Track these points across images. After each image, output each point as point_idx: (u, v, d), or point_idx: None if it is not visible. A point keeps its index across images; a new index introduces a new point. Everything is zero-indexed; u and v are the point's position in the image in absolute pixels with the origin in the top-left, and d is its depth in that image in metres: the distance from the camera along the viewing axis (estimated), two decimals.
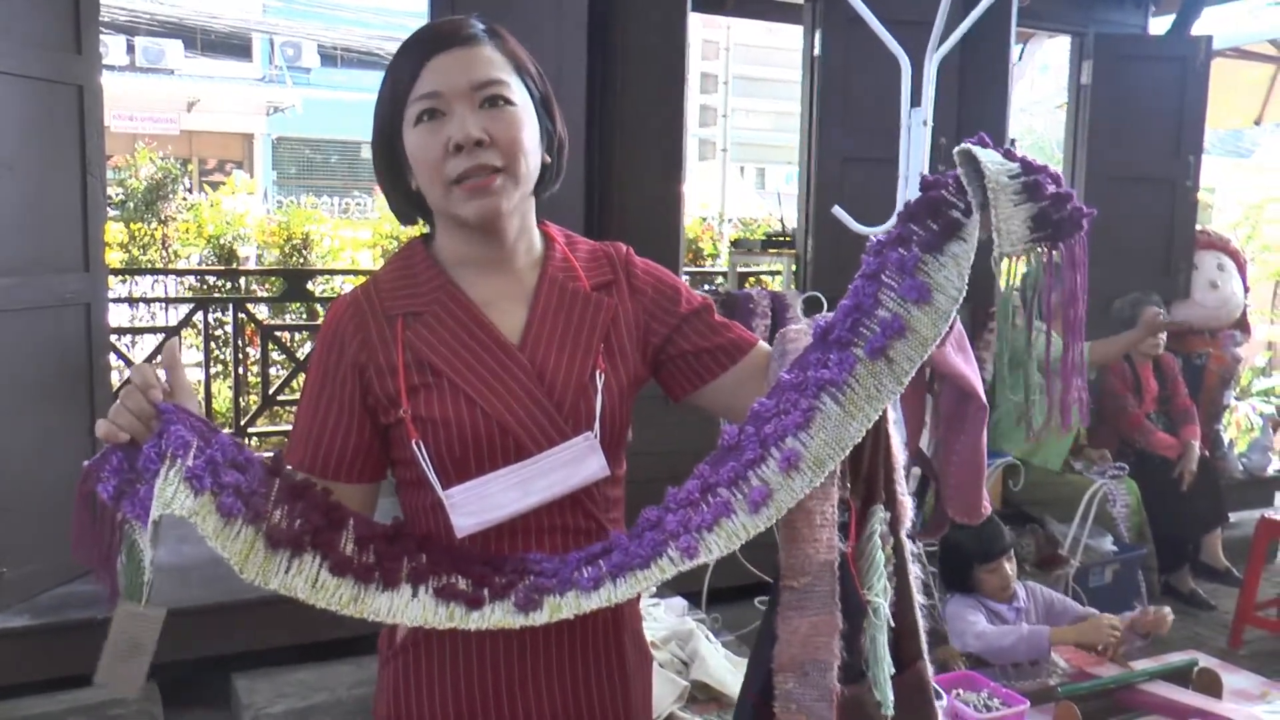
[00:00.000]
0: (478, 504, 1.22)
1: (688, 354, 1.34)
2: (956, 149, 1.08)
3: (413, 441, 1.22)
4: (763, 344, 1.33)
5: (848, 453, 1.10)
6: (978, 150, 1.07)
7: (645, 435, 1.38)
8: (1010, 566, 3.10)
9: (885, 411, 1.20)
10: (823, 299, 4.00)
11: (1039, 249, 1.05)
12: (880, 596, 1.16)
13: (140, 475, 1.05)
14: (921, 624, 1.26)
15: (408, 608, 1.14)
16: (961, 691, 2.36)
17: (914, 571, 1.26)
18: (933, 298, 1.07)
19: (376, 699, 1.34)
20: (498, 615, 1.13)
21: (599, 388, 1.27)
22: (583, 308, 1.30)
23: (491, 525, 1.22)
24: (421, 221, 1.35)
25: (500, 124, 1.21)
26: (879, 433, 1.21)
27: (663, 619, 2.97)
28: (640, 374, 1.34)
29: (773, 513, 1.09)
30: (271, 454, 1.16)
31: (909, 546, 1.26)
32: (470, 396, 1.22)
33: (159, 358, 1.17)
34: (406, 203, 1.31)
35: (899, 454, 1.26)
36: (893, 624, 1.19)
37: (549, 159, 1.31)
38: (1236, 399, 6.50)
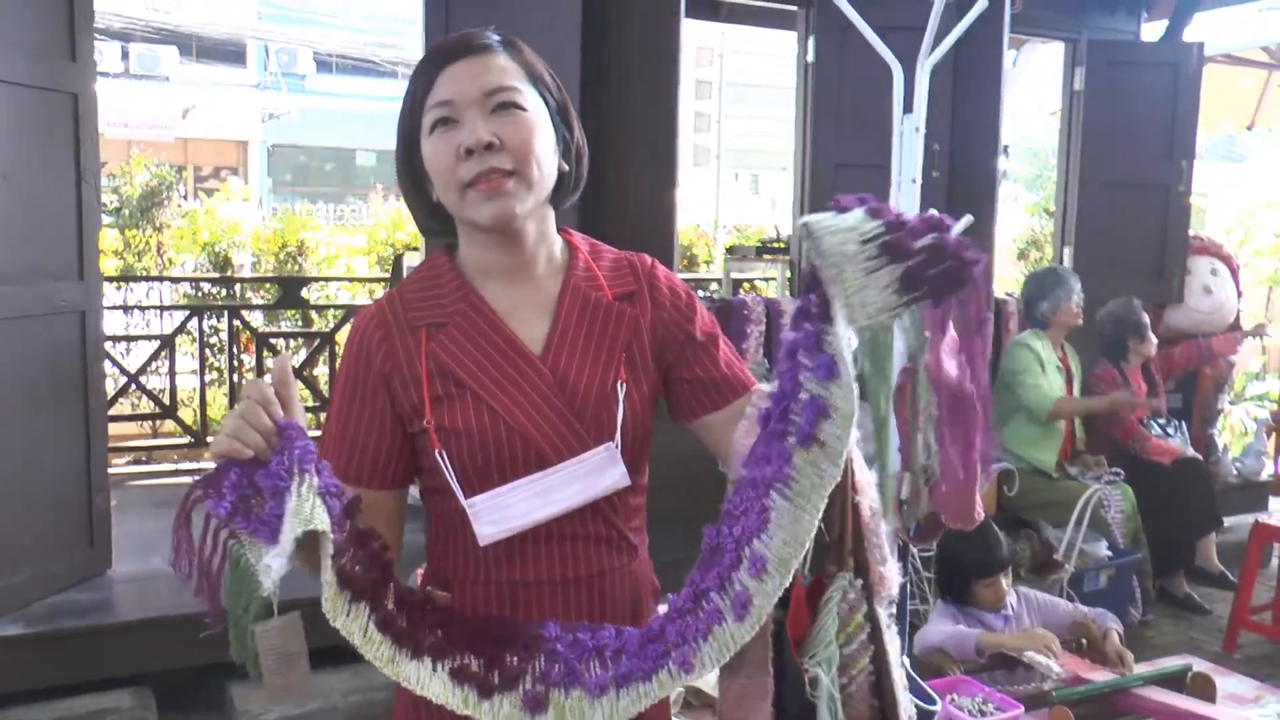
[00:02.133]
0: (500, 513, 1.23)
1: (685, 380, 1.34)
2: (800, 220, 1.02)
3: (435, 451, 1.24)
4: (760, 387, 1.31)
5: (807, 545, 1.08)
6: (814, 222, 1.01)
7: (658, 441, 1.37)
8: (1006, 581, 3.09)
9: (852, 477, 1.18)
10: None
11: (914, 310, 0.99)
12: (822, 666, 1.13)
13: (261, 492, 1.04)
14: (904, 700, 1.22)
15: (430, 681, 1.14)
16: (956, 696, 2.36)
17: (893, 643, 1.22)
18: (838, 370, 1.04)
19: (395, 709, 1.35)
20: (505, 710, 1.14)
21: (620, 398, 1.27)
22: (605, 318, 1.31)
23: (514, 533, 1.24)
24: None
25: (511, 128, 1.22)
26: (845, 501, 1.19)
27: None
28: (658, 385, 1.35)
29: (755, 619, 1.08)
30: (351, 494, 1.14)
31: (883, 616, 1.22)
32: (492, 407, 1.23)
33: (268, 375, 1.21)
34: (430, 216, 1.32)
35: (871, 520, 1.23)
36: (876, 699, 1.18)
37: (566, 167, 1.31)
38: (1230, 403, 6.52)
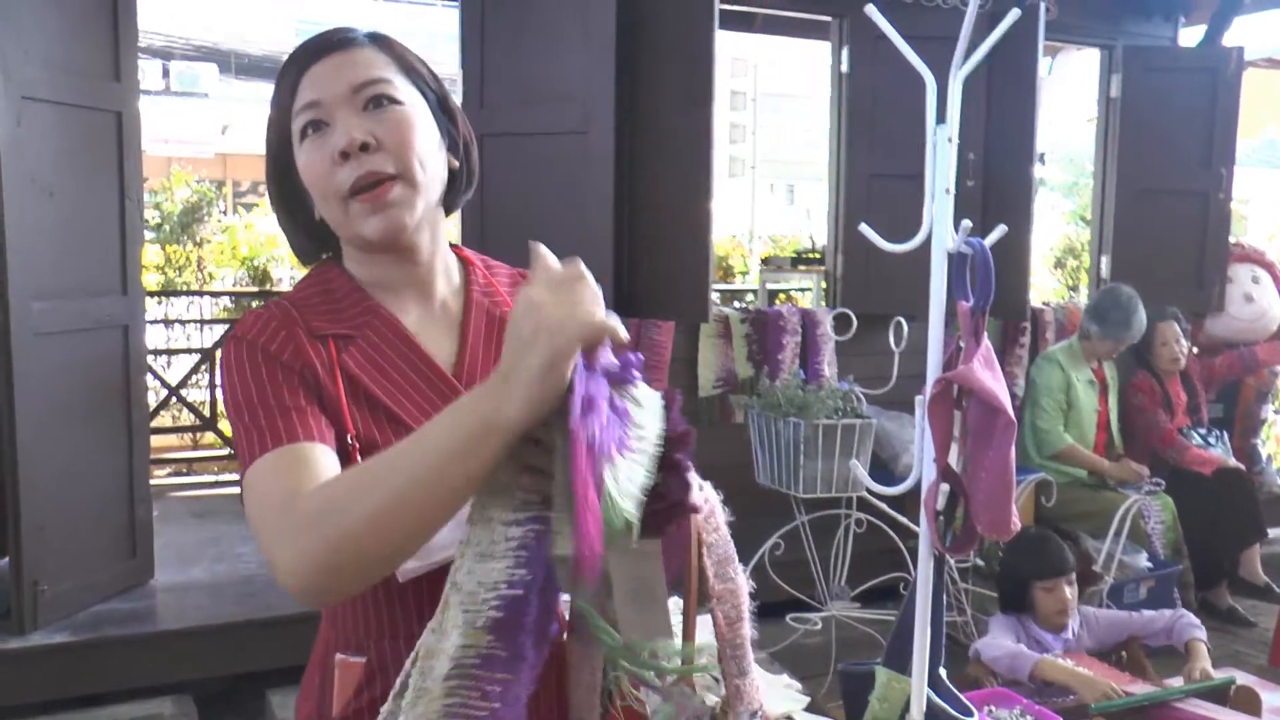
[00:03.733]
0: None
1: None
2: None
3: None
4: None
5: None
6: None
7: None
8: (1070, 591, 3.02)
9: (705, 584, 1.13)
10: (852, 315, 3.99)
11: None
12: None
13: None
14: None
15: None
16: (994, 708, 2.35)
17: None
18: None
19: None
20: None
21: None
22: None
23: (436, 567, 1.07)
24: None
25: (387, 125, 1.11)
26: (689, 608, 1.13)
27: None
28: None
29: None
30: None
31: None
32: (412, 430, 1.01)
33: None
34: (308, 237, 1.21)
35: (730, 630, 1.15)
36: None
37: (456, 163, 1.21)
38: (1275, 413, 6.41)
